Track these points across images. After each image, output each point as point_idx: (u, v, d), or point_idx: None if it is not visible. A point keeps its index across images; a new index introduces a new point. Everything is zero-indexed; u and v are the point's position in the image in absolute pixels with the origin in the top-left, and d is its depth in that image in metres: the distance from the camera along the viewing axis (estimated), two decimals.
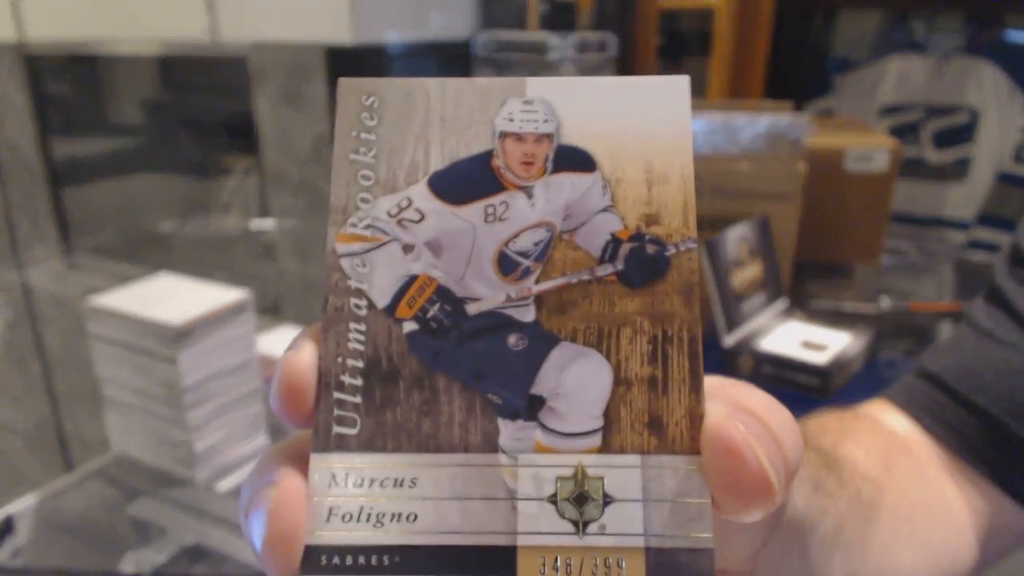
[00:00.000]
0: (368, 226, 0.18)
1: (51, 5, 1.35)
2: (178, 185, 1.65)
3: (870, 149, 1.11)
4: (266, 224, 1.31)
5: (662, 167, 0.18)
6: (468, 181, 0.18)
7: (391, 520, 0.17)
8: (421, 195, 0.18)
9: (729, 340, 0.86)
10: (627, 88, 0.19)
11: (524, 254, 0.18)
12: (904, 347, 0.98)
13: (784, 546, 0.23)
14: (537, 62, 1.24)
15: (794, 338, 0.88)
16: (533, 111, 0.19)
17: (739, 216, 0.99)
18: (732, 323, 0.87)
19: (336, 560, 0.16)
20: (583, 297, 0.18)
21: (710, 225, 1.06)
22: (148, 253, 1.62)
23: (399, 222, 0.18)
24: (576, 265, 0.18)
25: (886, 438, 0.35)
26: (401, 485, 0.17)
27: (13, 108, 1.52)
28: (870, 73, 1.70)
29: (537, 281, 0.18)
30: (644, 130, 0.18)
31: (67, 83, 1.61)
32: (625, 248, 0.18)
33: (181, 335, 0.77)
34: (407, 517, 0.17)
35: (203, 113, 1.55)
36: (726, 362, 0.93)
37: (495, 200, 0.18)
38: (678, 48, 1.98)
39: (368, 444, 0.17)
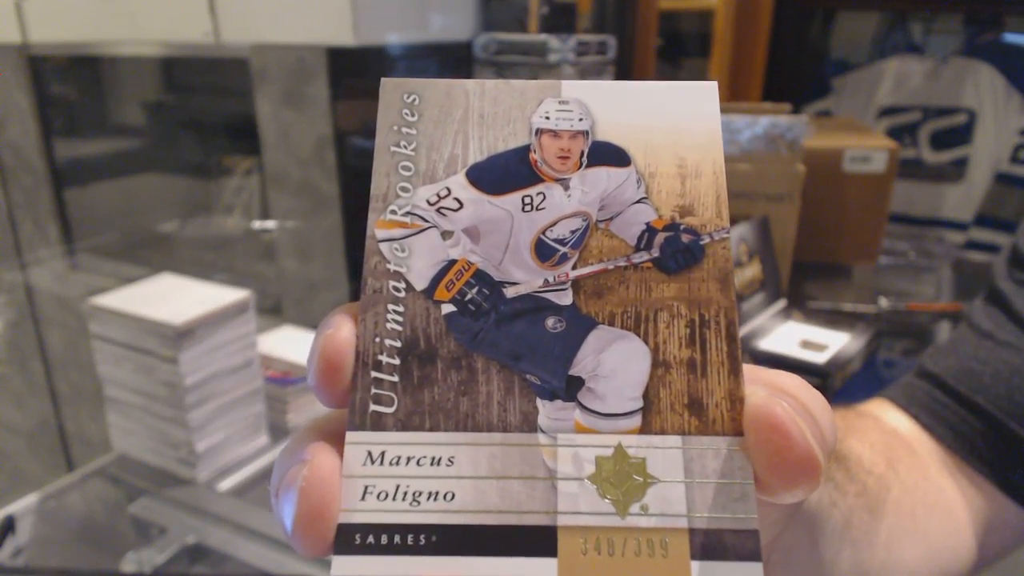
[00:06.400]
0: (407, 213, 0.18)
1: (54, 7, 1.36)
2: (180, 186, 1.66)
3: (868, 150, 1.12)
4: (267, 225, 1.31)
5: (694, 162, 0.19)
6: (506, 173, 0.19)
7: (428, 499, 0.16)
8: (460, 185, 0.19)
9: None
10: (659, 91, 0.19)
11: (561, 241, 0.19)
12: (902, 347, 0.98)
13: (796, 536, 0.24)
14: (537, 64, 1.25)
15: (793, 338, 0.89)
16: (568, 110, 0.19)
17: (738, 217, 0.99)
18: None
19: (371, 539, 0.16)
20: (620, 283, 0.18)
21: None
22: (150, 253, 1.62)
23: (438, 210, 0.18)
24: (612, 252, 0.18)
25: (888, 436, 0.35)
26: (438, 464, 0.17)
27: (16, 109, 1.52)
28: (868, 74, 1.71)
29: (574, 267, 0.18)
30: (676, 129, 0.19)
31: (70, 84, 1.62)
32: (660, 237, 0.18)
33: (182, 335, 0.78)
34: (444, 496, 0.16)
35: (205, 114, 1.56)
36: None
37: (532, 191, 0.19)
38: (677, 50, 1.98)
39: (405, 423, 0.17)
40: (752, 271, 0.93)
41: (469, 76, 1.31)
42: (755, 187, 1.02)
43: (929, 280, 1.23)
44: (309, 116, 1.12)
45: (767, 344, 0.87)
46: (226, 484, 0.83)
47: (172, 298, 0.84)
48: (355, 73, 1.13)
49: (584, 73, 1.28)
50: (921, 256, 1.28)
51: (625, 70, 1.50)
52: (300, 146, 1.14)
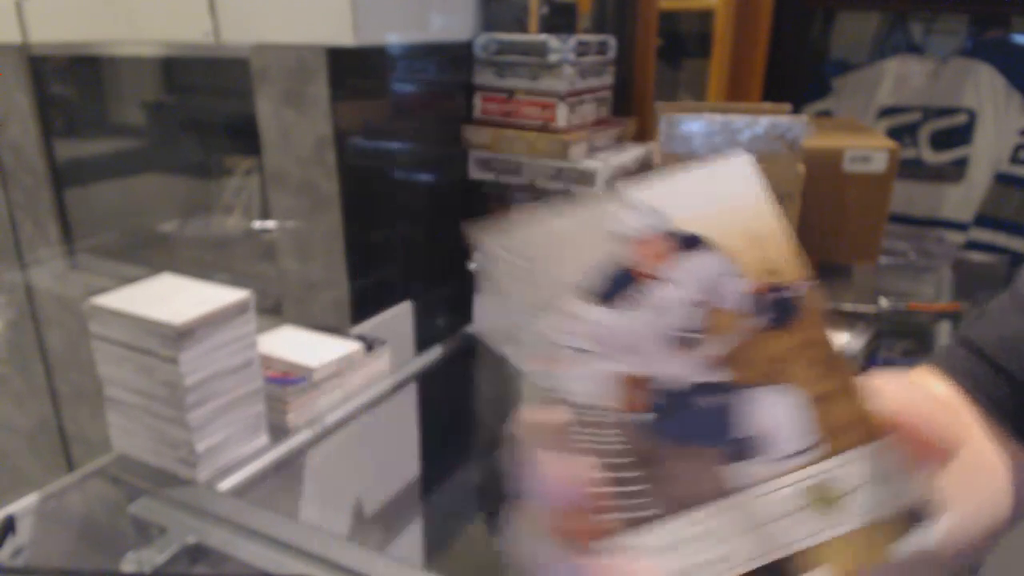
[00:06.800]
0: (547, 346, 0.21)
1: (54, 7, 1.36)
2: (180, 186, 1.66)
3: (868, 150, 1.12)
4: (267, 225, 1.31)
5: (759, 228, 0.22)
6: (613, 284, 0.21)
7: (705, 568, 0.20)
8: (579, 307, 0.21)
9: None
10: (707, 175, 0.22)
11: (690, 329, 0.21)
12: (902, 347, 0.98)
13: None
14: (537, 64, 1.25)
15: None
16: (642, 214, 0.22)
17: None
18: None
19: None
20: (750, 347, 0.21)
21: None
22: (150, 253, 1.62)
23: (570, 334, 0.21)
24: (730, 326, 0.21)
25: (934, 403, 0.36)
26: (696, 540, 0.20)
27: (16, 109, 1.53)
28: (868, 75, 1.71)
29: (711, 347, 0.21)
30: (732, 204, 0.22)
31: (70, 84, 1.62)
32: (764, 300, 0.21)
33: (183, 335, 0.78)
34: (712, 562, 0.20)
35: (205, 114, 1.56)
36: None
37: (642, 293, 0.21)
38: (677, 50, 1.99)
39: (642, 520, 0.20)
40: None
41: (469, 76, 1.31)
42: None
43: (929, 280, 1.23)
44: (309, 116, 1.12)
45: None
46: (226, 484, 0.83)
47: (172, 298, 0.84)
48: (355, 73, 1.13)
49: (584, 73, 1.28)
50: (921, 256, 1.28)
51: (625, 70, 1.50)
52: (300, 146, 1.15)
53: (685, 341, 0.21)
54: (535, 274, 0.21)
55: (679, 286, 0.21)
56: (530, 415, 0.21)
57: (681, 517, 0.20)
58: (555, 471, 0.20)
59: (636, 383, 0.21)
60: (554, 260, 0.21)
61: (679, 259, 0.21)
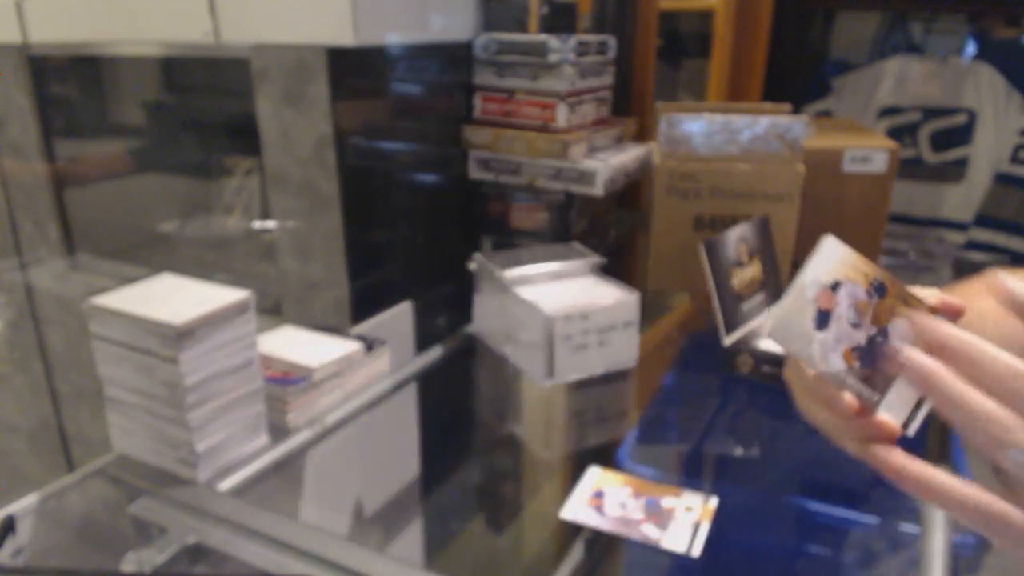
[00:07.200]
0: (816, 359, 0.43)
1: (54, 7, 1.36)
2: (180, 186, 1.66)
3: (868, 150, 1.12)
4: (267, 224, 1.31)
5: (853, 261, 0.43)
6: (821, 319, 0.43)
7: (903, 403, 0.42)
8: (815, 336, 0.43)
9: (728, 340, 0.86)
10: (821, 253, 0.44)
11: (855, 318, 0.43)
12: None
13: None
14: (537, 64, 1.25)
15: None
16: (812, 285, 0.43)
17: (739, 216, 0.99)
18: (732, 323, 0.87)
19: (911, 425, 0.42)
20: (878, 309, 0.43)
21: (709, 225, 1.06)
22: (150, 253, 1.63)
23: (819, 350, 0.43)
24: (867, 306, 0.43)
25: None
26: (897, 395, 0.42)
27: (16, 109, 1.53)
28: (868, 75, 1.71)
29: (865, 320, 0.43)
30: (839, 258, 0.43)
31: (70, 84, 1.62)
32: (871, 289, 0.43)
33: (183, 335, 0.78)
34: (904, 400, 0.42)
35: (205, 114, 1.56)
36: (726, 362, 0.94)
37: (832, 316, 0.43)
38: (677, 50, 1.99)
39: (877, 400, 0.42)
40: (752, 271, 0.93)
41: (469, 76, 1.31)
42: (755, 187, 1.03)
43: (929, 280, 1.23)
44: (309, 116, 1.12)
45: (767, 344, 0.87)
46: (226, 484, 0.83)
47: (172, 298, 0.84)
48: (355, 73, 1.13)
49: (584, 73, 1.28)
50: (921, 256, 1.28)
51: (625, 70, 1.50)
52: (300, 146, 1.15)
53: (856, 324, 0.42)
54: (796, 333, 0.43)
55: (842, 304, 0.42)
56: (813, 389, 0.44)
57: (889, 391, 0.42)
58: (843, 400, 0.42)
59: (849, 352, 0.42)
60: (799, 322, 0.42)
61: (836, 294, 0.42)
